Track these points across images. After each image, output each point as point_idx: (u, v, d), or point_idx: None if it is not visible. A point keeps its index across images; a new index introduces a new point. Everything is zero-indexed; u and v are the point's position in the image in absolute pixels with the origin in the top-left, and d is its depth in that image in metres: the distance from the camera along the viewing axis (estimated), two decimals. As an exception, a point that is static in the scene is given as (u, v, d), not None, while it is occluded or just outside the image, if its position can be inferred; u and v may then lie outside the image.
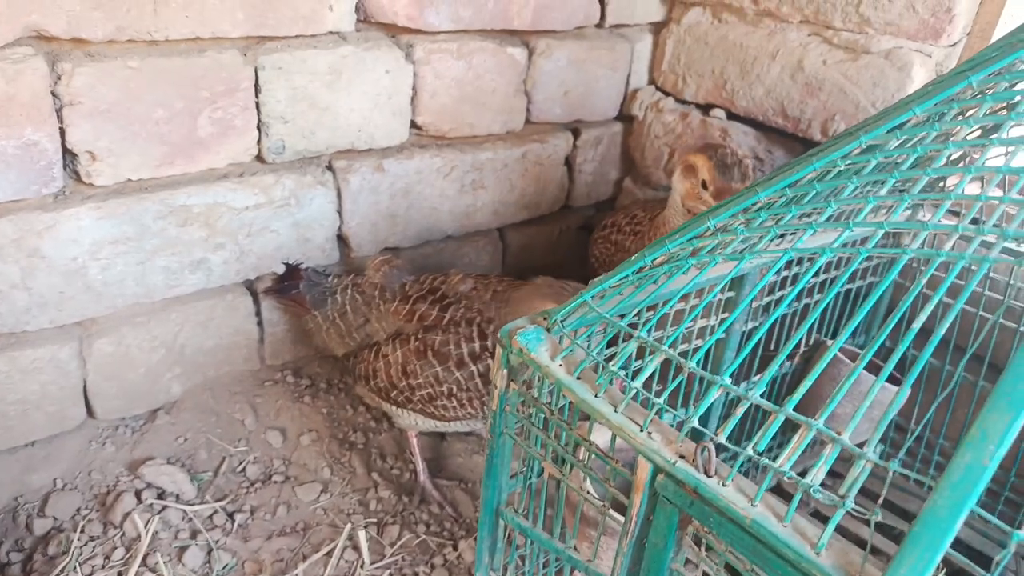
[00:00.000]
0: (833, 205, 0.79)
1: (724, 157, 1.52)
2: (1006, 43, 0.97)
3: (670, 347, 0.80)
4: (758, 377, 0.75)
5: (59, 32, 1.35)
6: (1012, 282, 1.33)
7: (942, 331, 0.64)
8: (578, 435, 0.88)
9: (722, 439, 0.70)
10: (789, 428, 0.69)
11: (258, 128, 1.65)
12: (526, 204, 2.19)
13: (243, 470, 1.67)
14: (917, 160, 0.81)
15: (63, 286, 1.52)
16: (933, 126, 0.77)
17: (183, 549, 1.47)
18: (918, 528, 0.56)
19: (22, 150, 1.38)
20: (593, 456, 0.87)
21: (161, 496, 1.57)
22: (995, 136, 0.74)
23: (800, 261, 1.34)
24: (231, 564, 1.47)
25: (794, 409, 0.67)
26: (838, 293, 1.46)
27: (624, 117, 2.29)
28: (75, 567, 1.41)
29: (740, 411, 0.70)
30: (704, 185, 1.53)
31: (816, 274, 1.37)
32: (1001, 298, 1.32)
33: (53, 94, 1.39)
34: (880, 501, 0.65)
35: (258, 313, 1.83)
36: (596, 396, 0.82)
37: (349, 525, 1.55)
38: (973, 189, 0.78)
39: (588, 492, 0.92)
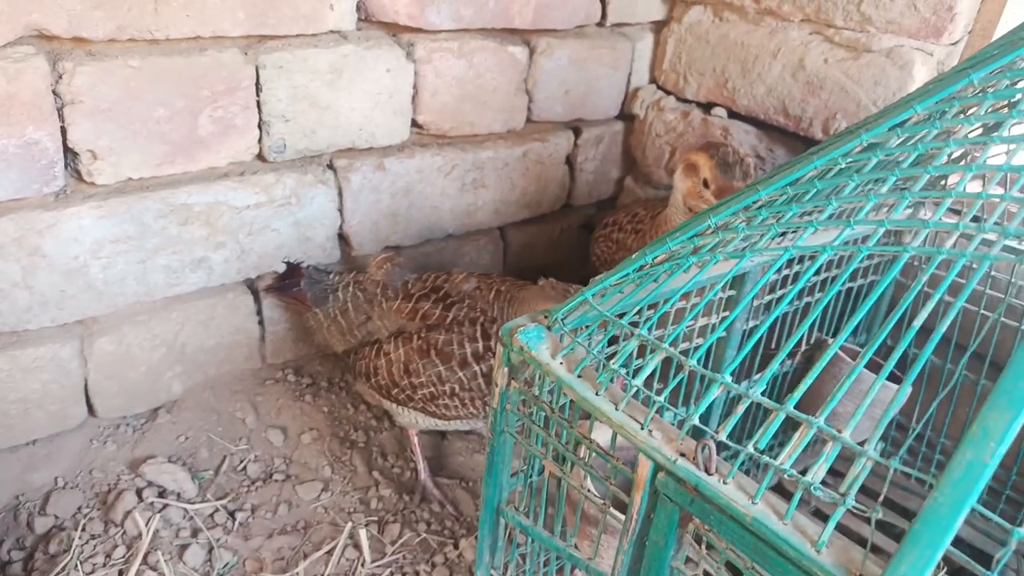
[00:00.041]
0: (834, 203, 0.79)
1: (726, 156, 1.52)
2: (1007, 41, 0.97)
3: (671, 345, 0.80)
4: (759, 375, 0.75)
5: (60, 31, 1.35)
6: (1013, 280, 1.33)
7: (943, 329, 0.64)
8: (579, 433, 0.88)
9: (723, 437, 0.70)
10: (790, 427, 0.69)
11: (259, 127, 1.65)
12: (527, 203, 2.19)
13: (244, 469, 1.67)
14: (918, 158, 0.80)
15: (64, 285, 1.52)
16: (934, 124, 0.77)
17: (184, 547, 1.47)
18: (919, 526, 0.56)
19: (23, 149, 1.38)
20: (594, 454, 0.87)
21: (162, 495, 1.57)
22: (996, 134, 0.74)
23: (801, 259, 1.34)
24: (232, 562, 1.47)
25: (795, 407, 0.67)
26: (839, 291, 1.46)
27: (625, 116, 2.29)
28: (76, 565, 1.41)
29: (741, 409, 0.70)
30: (706, 183, 1.53)
31: (817, 272, 1.37)
32: (1002, 296, 1.31)
33: (54, 93, 1.39)
34: (880, 499, 0.65)
35: (259, 312, 1.84)
36: (597, 394, 0.82)
37: (350, 523, 1.55)
38: (974, 187, 0.78)
39: (589, 490, 0.92)
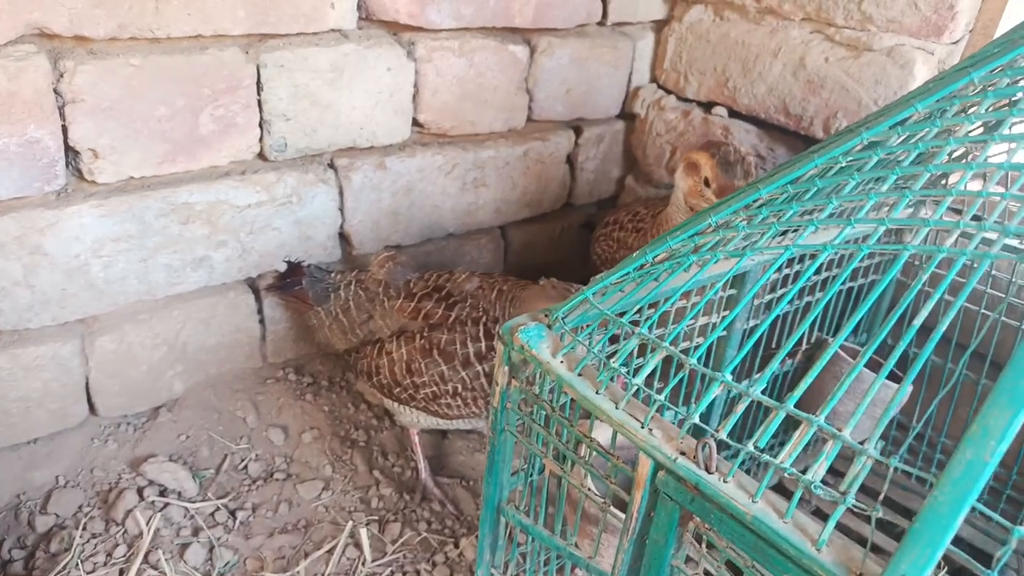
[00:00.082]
0: (834, 202, 0.79)
1: (727, 154, 1.51)
2: (1008, 39, 0.97)
3: (671, 344, 0.80)
4: (759, 374, 0.75)
5: (61, 30, 1.35)
6: (1014, 279, 1.32)
7: (943, 328, 0.64)
8: (579, 432, 0.88)
9: (723, 436, 0.70)
10: (790, 426, 0.69)
11: (260, 126, 1.65)
12: (528, 202, 2.19)
13: (245, 468, 1.67)
14: (918, 157, 0.80)
15: (65, 283, 1.52)
16: (934, 122, 0.77)
17: (185, 546, 1.47)
18: (919, 524, 0.56)
19: (24, 148, 1.38)
20: (594, 453, 0.87)
21: (163, 493, 1.57)
22: (997, 132, 0.74)
23: (801, 258, 1.34)
24: (233, 561, 1.47)
25: (795, 406, 0.67)
26: (839, 291, 1.46)
27: (626, 115, 2.29)
28: (77, 564, 1.41)
29: (741, 408, 0.70)
30: (707, 182, 1.53)
31: (817, 271, 1.37)
32: (1003, 296, 1.31)
33: (55, 92, 1.39)
34: (881, 498, 0.65)
35: (260, 311, 1.84)
36: (597, 393, 0.82)
37: (350, 523, 1.55)
38: (975, 185, 0.78)
39: (589, 489, 0.92)
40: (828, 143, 0.93)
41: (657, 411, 0.77)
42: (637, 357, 1.06)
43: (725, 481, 0.69)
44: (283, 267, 1.79)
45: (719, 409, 1.44)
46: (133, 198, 1.54)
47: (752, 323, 1.37)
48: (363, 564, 1.48)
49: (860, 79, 1.72)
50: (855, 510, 0.60)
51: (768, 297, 1.36)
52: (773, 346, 1.43)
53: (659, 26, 2.19)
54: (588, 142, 2.23)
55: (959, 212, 0.77)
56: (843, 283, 1.42)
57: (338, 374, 1.96)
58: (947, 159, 0.80)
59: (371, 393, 1.68)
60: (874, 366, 1.26)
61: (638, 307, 0.91)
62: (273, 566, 1.47)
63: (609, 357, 0.83)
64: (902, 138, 0.81)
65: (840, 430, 0.63)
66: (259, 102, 1.62)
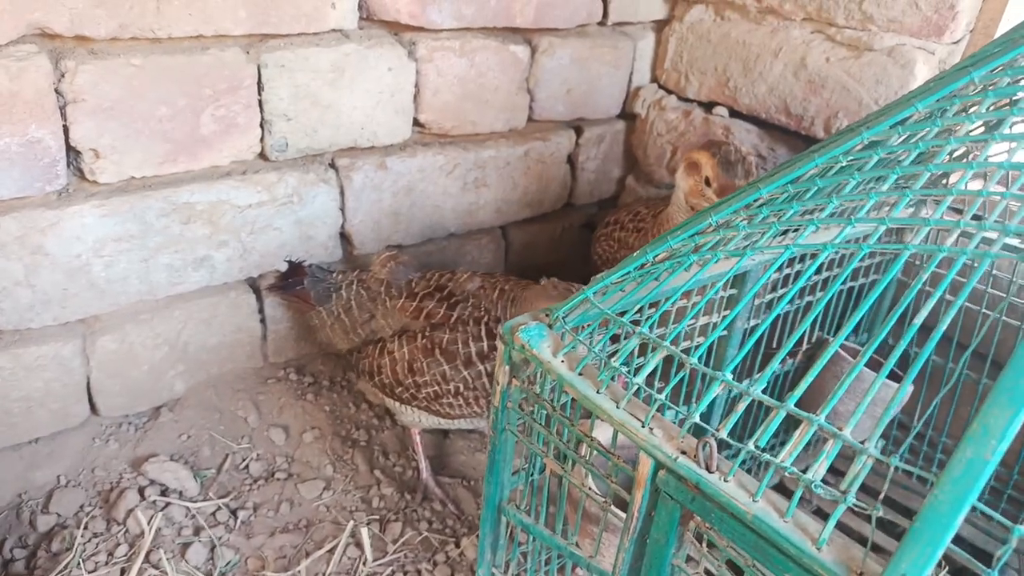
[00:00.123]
0: (835, 201, 0.79)
1: (727, 154, 1.51)
2: (1008, 39, 0.97)
3: (672, 343, 0.80)
4: (760, 374, 0.75)
5: (62, 30, 1.35)
6: (1014, 279, 1.32)
7: (943, 328, 0.64)
8: (580, 431, 0.88)
9: (724, 435, 0.70)
10: (791, 425, 0.69)
11: (261, 126, 1.65)
12: (529, 202, 2.19)
13: (246, 467, 1.68)
14: (919, 156, 0.80)
15: (67, 283, 1.52)
16: (935, 122, 0.77)
17: (186, 546, 1.47)
18: (919, 523, 0.56)
19: (26, 147, 1.39)
20: (595, 452, 0.87)
21: (164, 493, 1.57)
22: (997, 132, 0.74)
23: (802, 258, 1.34)
24: (234, 561, 1.47)
25: (796, 406, 0.67)
26: (840, 291, 1.46)
27: (627, 115, 2.29)
28: (78, 563, 1.41)
29: (742, 407, 0.70)
30: (707, 182, 1.53)
31: (818, 271, 1.37)
32: (1003, 295, 1.31)
33: (57, 92, 1.39)
34: (881, 497, 0.65)
35: (261, 311, 1.84)
36: (598, 392, 0.82)
37: (352, 522, 1.55)
38: (975, 185, 0.78)
39: (590, 488, 0.92)
40: (828, 143, 0.93)
41: (658, 410, 0.77)
42: (638, 356, 1.06)
43: (726, 480, 0.69)
44: (284, 267, 1.79)
45: (720, 408, 1.44)
46: (134, 198, 1.54)
47: (753, 323, 1.37)
48: (364, 564, 1.48)
49: (861, 79, 1.72)
50: (856, 509, 0.60)
51: (769, 296, 1.36)
52: (774, 346, 1.43)
53: (660, 26, 2.19)
54: (589, 142, 2.23)
55: (959, 211, 0.77)
56: (843, 283, 1.42)
57: (339, 374, 1.96)
58: (947, 158, 0.80)
59: (372, 393, 1.68)
60: (875, 365, 1.26)
61: (639, 306, 0.91)
62: (274, 565, 1.47)
63: (610, 356, 0.84)
64: (903, 137, 0.81)
65: (841, 429, 0.63)
66: (260, 102, 1.62)
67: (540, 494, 1.02)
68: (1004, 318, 1.30)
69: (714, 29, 2.02)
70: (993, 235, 0.67)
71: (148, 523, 1.48)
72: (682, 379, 1.14)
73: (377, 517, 1.59)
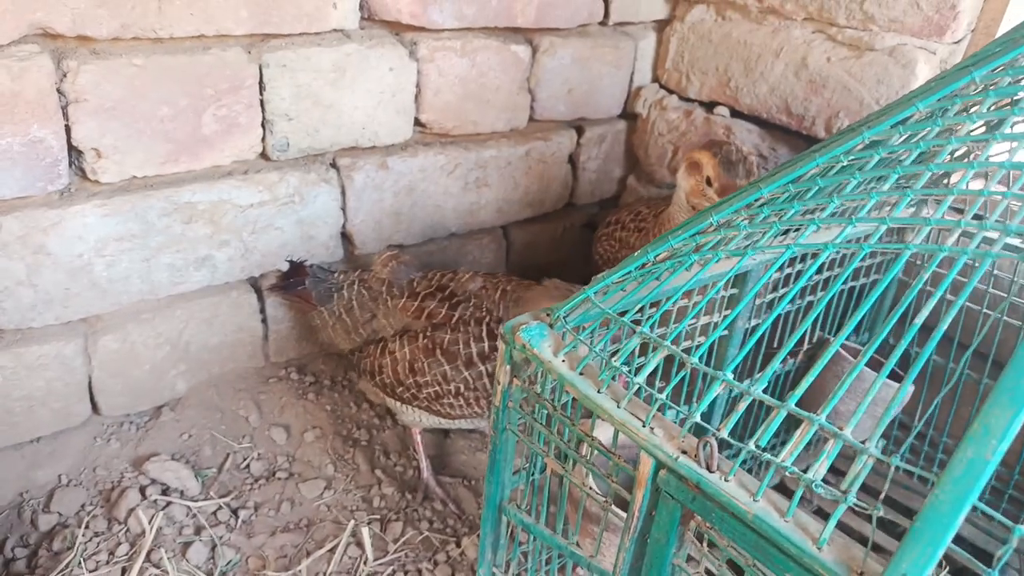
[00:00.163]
0: (836, 201, 0.79)
1: (729, 154, 1.51)
2: (1009, 39, 0.97)
3: (672, 343, 0.80)
4: (760, 374, 0.75)
5: (64, 30, 1.36)
6: (1015, 279, 1.32)
7: (944, 327, 0.64)
8: (581, 431, 0.88)
9: (724, 435, 0.70)
10: (792, 425, 0.69)
11: (262, 126, 1.65)
12: (530, 202, 2.19)
13: (247, 467, 1.68)
14: (920, 156, 0.80)
15: (68, 283, 1.53)
16: (936, 122, 0.77)
17: (187, 545, 1.47)
18: (920, 523, 0.56)
19: (28, 147, 1.39)
20: (596, 452, 0.87)
21: (165, 492, 1.58)
22: (998, 131, 0.74)
23: (803, 258, 1.34)
24: (235, 560, 1.47)
25: (796, 405, 0.67)
26: (841, 291, 1.46)
27: (628, 115, 2.29)
28: (80, 563, 1.41)
29: (742, 407, 0.70)
30: (708, 182, 1.53)
31: (818, 271, 1.37)
32: (1004, 295, 1.31)
33: (58, 91, 1.39)
34: (882, 497, 0.65)
35: (262, 310, 1.84)
36: (599, 392, 0.82)
37: (352, 522, 1.56)
38: (976, 185, 0.78)
39: (591, 488, 0.92)
40: (829, 142, 0.93)
41: (659, 410, 0.77)
42: (639, 356, 1.06)
43: (726, 480, 0.69)
44: (286, 267, 1.79)
45: (720, 408, 1.44)
46: (136, 198, 1.55)
47: (753, 322, 1.37)
48: (365, 563, 1.48)
49: (862, 79, 1.71)
50: (856, 509, 0.60)
51: (769, 296, 1.36)
52: (774, 345, 1.43)
53: (661, 26, 2.19)
54: (590, 142, 2.24)
55: (960, 211, 0.77)
56: (844, 282, 1.42)
57: (340, 373, 1.96)
58: (948, 158, 0.80)
59: (374, 392, 1.69)
60: (875, 365, 1.26)
61: (640, 306, 0.91)
62: (275, 565, 1.47)
63: (611, 356, 0.84)
64: (903, 137, 0.81)
65: (841, 429, 0.63)
66: (261, 102, 1.62)
67: (541, 494, 1.02)
68: (1005, 318, 1.30)
69: (715, 29, 2.02)
70: (994, 235, 0.67)
71: (149, 522, 1.48)
72: (683, 379, 1.14)
73: (378, 516, 1.59)
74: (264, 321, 1.86)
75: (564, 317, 0.92)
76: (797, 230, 0.83)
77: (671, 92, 2.20)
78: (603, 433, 0.88)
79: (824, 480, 0.62)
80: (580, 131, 2.20)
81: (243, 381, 1.87)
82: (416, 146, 1.92)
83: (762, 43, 1.90)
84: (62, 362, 1.57)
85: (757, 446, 0.67)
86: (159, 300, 1.68)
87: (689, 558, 0.78)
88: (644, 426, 0.77)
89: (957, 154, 1.10)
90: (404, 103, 1.83)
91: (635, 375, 0.79)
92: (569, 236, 2.35)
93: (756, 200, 0.89)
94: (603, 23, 2.10)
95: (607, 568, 0.91)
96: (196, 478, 1.61)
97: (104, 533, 1.49)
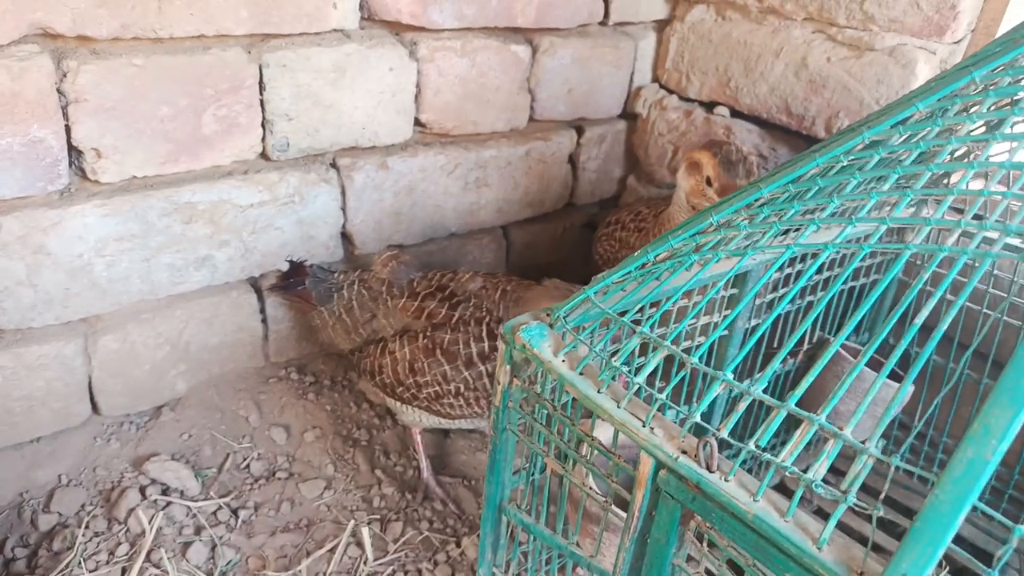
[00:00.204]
0: (836, 201, 0.79)
1: (729, 154, 1.51)
2: (1009, 39, 0.97)
3: (672, 343, 0.80)
4: (760, 374, 0.75)
5: (64, 30, 1.36)
6: (1015, 279, 1.32)
7: (944, 327, 0.64)
8: (581, 431, 0.88)
9: (724, 435, 0.70)
10: (792, 425, 0.69)
11: (262, 126, 1.65)
12: (530, 202, 2.19)
13: (247, 467, 1.68)
14: (920, 156, 0.80)
15: (68, 283, 1.53)
16: (936, 122, 0.77)
17: (187, 545, 1.47)
18: (920, 523, 0.56)
19: (28, 147, 1.39)
20: (596, 452, 0.87)
21: (165, 492, 1.58)
22: (998, 131, 0.74)
23: (803, 258, 1.34)
24: (235, 560, 1.47)
25: (796, 405, 0.67)
26: (841, 291, 1.46)
27: (628, 115, 2.29)
28: (79, 563, 1.41)
29: (742, 407, 0.70)
30: (708, 182, 1.53)
31: (818, 271, 1.37)
32: (1004, 295, 1.31)
33: (59, 91, 1.39)
34: (882, 497, 0.65)
35: (262, 310, 1.84)
36: (599, 392, 0.82)
37: (352, 522, 1.56)
38: (976, 185, 0.78)
39: (591, 488, 0.92)
40: (829, 142, 0.93)
41: (659, 410, 0.77)
42: (639, 356, 1.06)
43: (726, 480, 0.69)
44: (286, 267, 1.79)
45: (720, 408, 1.44)
46: (136, 198, 1.55)
47: (753, 322, 1.37)
48: (365, 563, 1.48)
49: (862, 79, 1.71)
50: (856, 509, 0.60)
51: (769, 296, 1.36)
52: (774, 345, 1.43)
53: (661, 26, 2.19)
54: (590, 142, 2.24)
55: (960, 211, 0.77)
56: (844, 282, 1.42)
57: (340, 373, 1.96)
58: (948, 158, 0.80)
59: (373, 392, 1.69)
60: (875, 365, 1.26)
61: (640, 306, 0.91)
62: (275, 565, 1.47)
63: (611, 356, 0.84)
64: (903, 137, 0.81)
65: (841, 429, 0.63)
66: (261, 102, 1.62)
67: (541, 494, 1.02)
68: (1005, 318, 1.30)
69: (715, 29, 2.02)
70: (994, 235, 0.67)
71: (149, 522, 1.48)
72: (683, 379, 1.14)
73: (378, 516, 1.59)
74: (264, 321, 1.86)
75: (564, 317, 0.92)
76: (797, 230, 0.83)
77: (671, 92, 2.20)
78: (603, 433, 0.88)
79: (824, 480, 0.62)
80: (580, 131, 2.20)
81: (243, 381, 1.87)
82: (416, 146, 1.92)
83: (762, 43, 1.90)
84: (62, 362, 1.57)
85: (757, 446, 0.67)
86: (159, 300, 1.68)
87: (689, 558, 0.78)
88: (644, 426, 0.77)
89: (957, 154, 1.10)
90: (404, 103, 1.83)
91: (635, 375, 0.79)
92: (569, 236, 2.35)
93: (756, 200, 0.89)
94: (603, 23, 2.10)
95: (607, 568, 0.91)
96: (196, 478, 1.61)
97: (104, 533, 1.49)
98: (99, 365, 1.63)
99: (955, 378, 1.37)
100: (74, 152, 1.46)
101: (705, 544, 0.74)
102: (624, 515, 0.83)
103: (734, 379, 0.73)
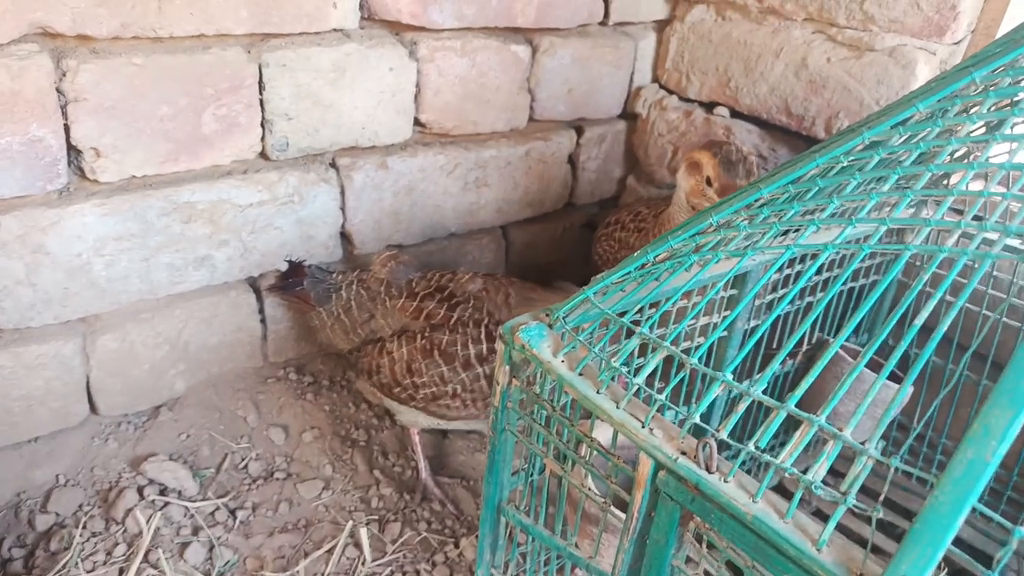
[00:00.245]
0: (836, 201, 0.79)
1: (728, 154, 1.51)
2: (1010, 39, 0.97)
3: (672, 344, 0.80)
4: (760, 374, 0.75)
5: (64, 29, 1.35)
6: (1015, 280, 1.32)
7: (944, 329, 0.64)
8: (580, 432, 0.88)
9: (724, 436, 0.70)
10: (791, 426, 0.69)
11: (262, 125, 1.65)
12: (530, 202, 2.19)
13: (245, 467, 1.68)
14: (920, 156, 0.80)
15: (67, 282, 1.52)
16: (936, 122, 0.77)
17: (185, 545, 1.47)
18: (919, 525, 0.56)
19: (27, 147, 1.39)
20: (595, 453, 0.87)
21: (163, 492, 1.57)
22: (998, 132, 0.73)
23: (802, 259, 1.34)
24: (233, 561, 1.47)
25: (796, 407, 0.67)
26: (840, 291, 1.46)
27: (628, 115, 2.29)
28: (77, 563, 1.41)
29: (742, 408, 0.70)
30: (708, 182, 1.53)
31: (818, 271, 1.37)
32: (1004, 296, 1.31)
33: (58, 91, 1.39)
34: (881, 499, 0.65)
35: (261, 310, 1.84)
36: (598, 392, 0.82)
37: (350, 522, 1.55)
38: (976, 186, 0.78)
39: (590, 489, 0.92)
40: (829, 143, 0.93)
41: (658, 411, 0.77)
42: (638, 357, 1.06)
43: (726, 481, 0.69)
44: (285, 267, 1.79)
45: (720, 409, 1.44)
46: (135, 197, 1.54)
47: (753, 323, 1.36)
48: (363, 564, 1.48)
49: (862, 79, 1.71)
50: (855, 510, 0.60)
51: (769, 297, 1.36)
52: (774, 346, 1.43)
53: (661, 26, 2.19)
54: (590, 142, 2.23)
55: (960, 212, 0.77)
56: (844, 283, 1.42)
57: (339, 374, 1.96)
58: (948, 159, 0.80)
59: (371, 392, 1.68)
60: (874, 366, 1.26)
61: (639, 307, 0.91)
62: (273, 565, 1.47)
63: (610, 357, 0.83)
64: (904, 138, 0.81)
65: (841, 430, 0.63)
66: (261, 101, 1.62)
67: (540, 494, 1.02)
68: (1004, 319, 1.30)
69: (715, 29, 2.02)
70: (994, 236, 0.67)
71: (147, 523, 1.48)
72: (682, 379, 1.14)
73: (376, 517, 1.59)
74: (263, 321, 1.85)
75: (563, 317, 0.92)
76: (797, 231, 0.82)
77: (671, 92, 2.20)
78: (602, 434, 0.88)
79: (823, 481, 0.62)
80: (580, 131, 2.20)
81: (242, 381, 1.86)
82: (416, 146, 1.92)
83: (762, 43, 1.90)
84: (61, 362, 1.57)
85: (757, 447, 0.67)
86: (158, 300, 1.68)
87: (688, 559, 0.78)
88: (643, 427, 0.76)
89: (957, 155, 1.10)
90: (404, 103, 1.83)
91: (634, 376, 0.79)
92: (569, 236, 2.35)
93: (756, 201, 0.89)
94: (603, 23, 2.10)
95: (606, 569, 0.91)
96: (194, 478, 1.61)
97: (101, 533, 1.49)
98: (98, 365, 1.63)
99: (954, 379, 1.37)
100: (73, 151, 1.46)
101: (704, 545, 0.74)
102: (623, 516, 0.83)
103: (733, 380, 0.73)
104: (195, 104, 1.54)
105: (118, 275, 1.58)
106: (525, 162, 2.10)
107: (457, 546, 1.54)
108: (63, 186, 1.48)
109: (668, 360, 0.81)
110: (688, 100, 2.15)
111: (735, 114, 2.03)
